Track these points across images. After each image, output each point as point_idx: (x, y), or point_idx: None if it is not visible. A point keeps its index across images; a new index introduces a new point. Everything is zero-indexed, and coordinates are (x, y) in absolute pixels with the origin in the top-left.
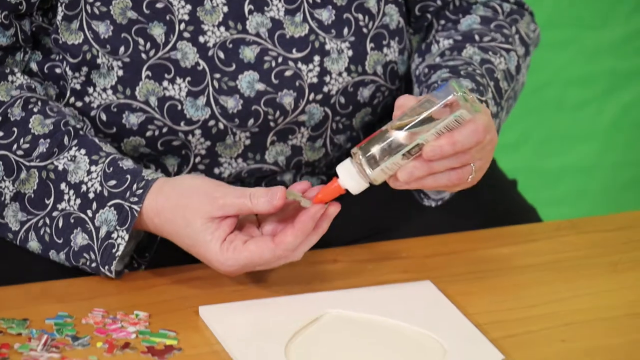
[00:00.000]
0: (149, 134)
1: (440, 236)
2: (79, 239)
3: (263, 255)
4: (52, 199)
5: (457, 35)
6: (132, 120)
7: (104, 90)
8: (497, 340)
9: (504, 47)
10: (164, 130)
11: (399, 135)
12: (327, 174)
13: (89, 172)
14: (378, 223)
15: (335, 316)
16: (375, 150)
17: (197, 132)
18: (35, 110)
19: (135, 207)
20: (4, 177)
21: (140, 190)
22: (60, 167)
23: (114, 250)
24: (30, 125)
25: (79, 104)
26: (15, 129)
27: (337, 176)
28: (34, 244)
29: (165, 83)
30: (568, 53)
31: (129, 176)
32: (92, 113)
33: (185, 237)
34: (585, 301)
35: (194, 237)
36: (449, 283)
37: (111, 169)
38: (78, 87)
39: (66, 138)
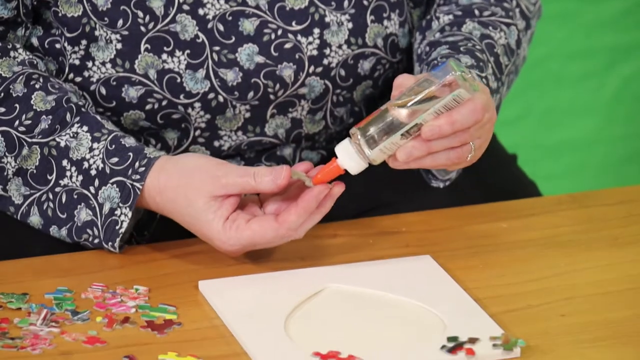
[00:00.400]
0: (148, 107)
1: (439, 211)
2: (83, 214)
3: (266, 234)
4: (54, 175)
5: (457, 10)
6: (132, 93)
7: (103, 64)
8: (497, 315)
9: (504, 22)
10: (164, 103)
11: (398, 115)
12: (326, 148)
13: (91, 149)
14: (378, 198)
15: (335, 291)
16: (373, 130)
17: (197, 105)
18: (37, 86)
19: (137, 184)
20: (6, 153)
21: (143, 168)
22: (62, 144)
23: (117, 227)
24: (32, 102)
25: (78, 79)
26: (17, 105)
27: (335, 156)
28: (35, 219)
29: (164, 56)
30: (568, 27)
31: (131, 154)
32: (92, 87)
33: (187, 216)
34: (586, 275)
35: (196, 216)
36: (449, 258)
37: (113, 146)
38: (77, 62)
39: (68, 115)
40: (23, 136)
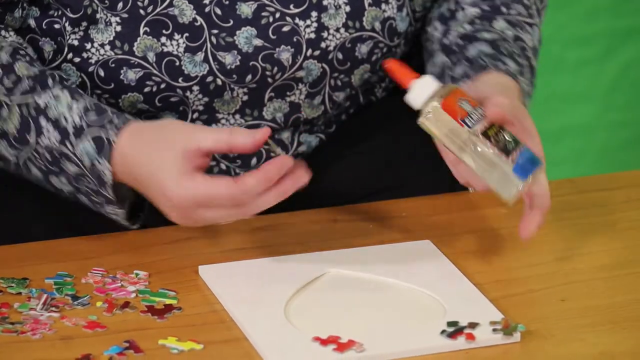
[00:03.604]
0: (146, 89)
1: (440, 196)
2: (70, 168)
3: (220, 190)
4: (33, 135)
5: (483, 4)
6: (130, 76)
7: (102, 45)
8: (497, 300)
9: (527, 22)
10: (162, 86)
11: (467, 134)
12: (325, 132)
13: (69, 107)
14: (379, 183)
15: (335, 276)
16: (446, 119)
17: (195, 88)
18: (22, 60)
19: (112, 134)
20: None
21: (118, 119)
22: (42, 104)
23: (104, 179)
24: (16, 68)
25: (76, 59)
26: (0, 70)
27: (415, 76)
28: (35, 172)
29: (163, 39)
30: (567, 12)
31: (109, 112)
32: (90, 69)
33: (150, 170)
34: (585, 260)
35: (159, 167)
36: (449, 243)
37: (93, 106)
38: (76, 42)
39: (50, 80)
40: (3, 97)
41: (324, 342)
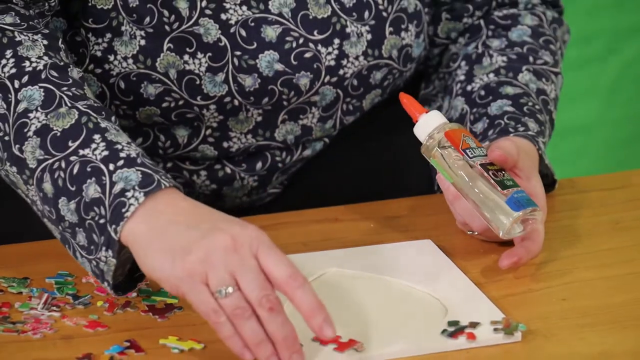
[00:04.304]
0: (164, 105)
1: (441, 196)
2: (91, 190)
3: (286, 260)
4: (77, 143)
5: (511, 53)
6: (150, 90)
7: (125, 58)
8: (498, 299)
9: (553, 71)
10: (180, 102)
11: (470, 171)
12: (329, 136)
13: (129, 143)
14: (380, 183)
15: (335, 275)
16: (450, 149)
17: (212, 107)
18: (89, 87)
19: (165, 181)
20: (39, 108)
21: (173, 181)
22: (103, 125)
23: (123, 210)
24: (85, 87)
25: (98, 70)
26: (70, 80)
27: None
28: (47, 186)
29: (186, 57)
30: (569, 10)
31: (165, 172)
32: (111, 80)
33: (212, 211)
34: (586, 260)
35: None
36: (450, 242)
37: (149, 158)
38: (99, 54)
39: (114, 117)
40: (66, 98)
41: (324, 341)
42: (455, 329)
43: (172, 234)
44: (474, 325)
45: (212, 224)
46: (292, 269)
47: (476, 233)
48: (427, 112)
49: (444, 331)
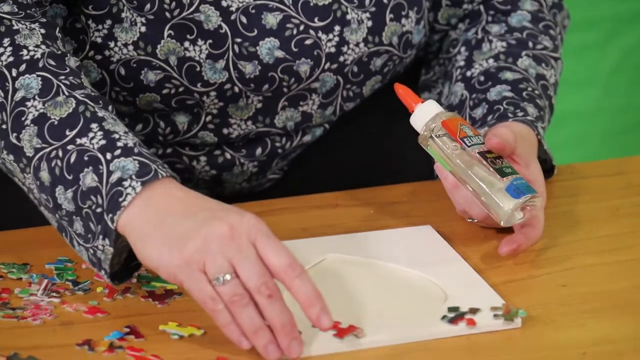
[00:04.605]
0: (165, 91)
1: (441, 181)
2: (88, 179)
3: (285, 250)
4: (74, 131)
5: (510, 38)
6: (150, 77)
7: (125, 45)
8: (498, 285)
9: (552, 56)
10: (180, 89)
11: (468, 159)
12: (329, 122)
13: (126, 133)
14: (380, 169)
15: (335, 261)
16: (447, 138)
17: (212, 93)
18: (86, 78)
19: (162, 171)
20: (37, 96)
21: (170, 171)
22: (100, 114)
23: (120, 199)
24: (82, 77)
25: (98, 57)
26: (68, 69)
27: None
28: (44, 175)
29: (186, 44)
30: None
31: (162, 162)
32: (111, 67)
33: (209, 200)
34: (586, 246)
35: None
36: (450, 228)
37: (146, 147)
38: (99, 40)
39: (111, 106)
40: (64, 88)
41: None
42: (455, 315)
43: (169, 224)
44: (473, 311)
45: (210, 213)
46: (290, 258)
47: (476, 220)
48: (422, 102)
49: (443, 317)
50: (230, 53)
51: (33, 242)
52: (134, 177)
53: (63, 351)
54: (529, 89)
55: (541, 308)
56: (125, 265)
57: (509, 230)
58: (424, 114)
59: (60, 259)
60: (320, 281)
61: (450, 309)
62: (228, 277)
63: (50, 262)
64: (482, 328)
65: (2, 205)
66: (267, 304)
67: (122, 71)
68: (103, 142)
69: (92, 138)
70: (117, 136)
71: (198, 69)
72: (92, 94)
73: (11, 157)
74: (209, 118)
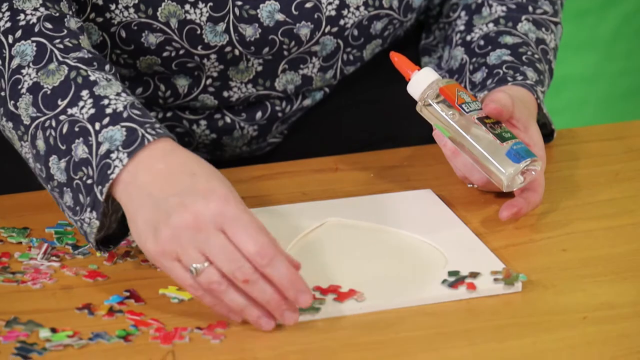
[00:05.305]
0: (165, 54)
1: None
2: (79, 150)
3: (263, 235)
4: (65, 101)
5: (510, 2)
6: (151, 39)
7: (126, 7)
8: (498, 250)
9: (552, 21)
10: (181, 52)
11: (467, 125)
12: (329, 86)
13: (118, 94)
14: (380, 132)
15: (335, 225)
16: (445, 105)
17: (213, 56)
18: (86, 39)
19: (149, 136)
20: (31, 64)
21: (161, 131)
22: (92, 78)
23: (109, 172)
24: (80, 38)
25: (99, 19)
26: (65, 30)
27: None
28: (40, 144)
29: (187, 6)
30: None
31: (155, 121)
32: (112, 29)
33: (201, 165)
34: (586, 210)
35: (215, 172)
36: (450, 192)
37: (140, 106)
38: (100, 2)
39: (108, 66)
40: (57, 52)
41: (325, 291)
42: (456, 279)
43: (147, 207)
44: (474, 275)
45: (178, 198)
46: (258, 245)
47: (476, 186)
48: (419, 70)
49: (444, 281)
50: (231, 16)
51: (33, 206)
52: (120, 148)
53: (63, 315)
54: (529, 53)
55: (541, 272)
56: (123, 222)
57: (509, 195)
58: (421, 81)
59: (60, 222)
60: (320, 245)
61: (451, 273)
62: (200, 266)
63: (50, 226)
64: (482, 292)
65: (1, 169)
66: (245, 287)
67: (123, 34)
68: (92, 110)
69: (82, 107)
70: (106, 102)
71: (198, 31)
72: (87, 56)
73: (10, 124)
74: (209, 81)
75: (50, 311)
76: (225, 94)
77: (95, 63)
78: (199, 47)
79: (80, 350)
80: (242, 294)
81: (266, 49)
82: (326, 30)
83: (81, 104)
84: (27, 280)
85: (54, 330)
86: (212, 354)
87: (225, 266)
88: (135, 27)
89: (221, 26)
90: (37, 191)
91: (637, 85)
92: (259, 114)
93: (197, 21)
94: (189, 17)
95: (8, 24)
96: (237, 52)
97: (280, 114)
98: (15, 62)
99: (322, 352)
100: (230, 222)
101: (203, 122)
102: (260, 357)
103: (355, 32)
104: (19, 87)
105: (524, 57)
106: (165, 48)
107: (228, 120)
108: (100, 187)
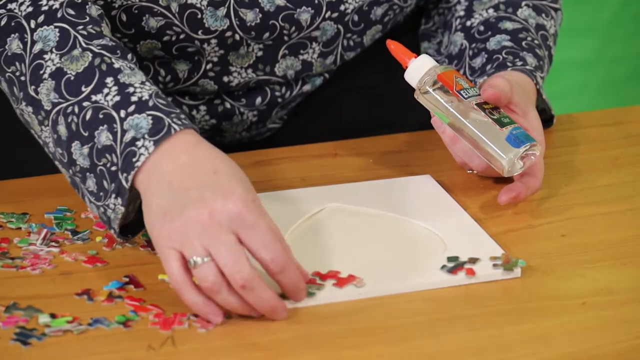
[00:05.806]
0: (165, 38)
1: None
2: (103, 137)
3: (278, 244)
4: (90, 87)
5: None
6: (152, 23)
7: None
8: (497, 235)
9: (552, 7)
10: (182, 36)
11: (466, 111)
12: (329, 71)
13: (143, 83)
14: (379, 118)
15: (334, 210)
16: (443, 92)
17: (213, 41)
18: (107, 27)
19: (175, 125)
20: (54, 49)
21: (187, 122)
22: (116, 65)
23: (134, 160)
24: (102, 26)
25: (100, 2)
26: (87, 17)
27: (413, 57)
28: (62, 129)
29: None
30: None
31: (179, 111)
32: (113, 13)
33: (225, 162)
34: (586, 196)
35: (238, 170)
36: (450, 178)
37: (165, 96)
38: None
39: (130, 55)
40: (81, 38)
41: (324, 277)
42: (455, 265)
43: (164, 196)
44: (473, 261)
45: (199, 192)
46: (273, 252)
47: (476, 172)
48: (416, 57)
49: (443, 267)
50: (232, 0)
51: (32, 192)
52: (146, 136)
53: (62, 301)
54: (529, 38)
55: (541, 258)
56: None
57: (508, 180)
58: (418, 68)
59: (60, 208)
60: (320, 231)
61: (450, 259)
62: (200, 260)
63: (50, 212)
64: (481, 278)
65: (1, 154)
66: (243, 292)
67: (124, 17)
68: (117, 98)
69: (107, 94)
70: (132, 90)
71: (199, 16)
72: (110, 44)
73: (30, 108)
74: (209, 66)
75: (50, 297)
76: (225, 79)
77: (118, 51)
78: (200, 32)
79: (80, 336)
80: (236, 296)
81: (266, 34)
82: (326, 16)
83: (106, 91)
84: (27, 265)
85: (53, 316)
86: (211, 339)
87: (227, 266)
88: (136, 11)
89: (222, 11)
90: (37, 176)
91: (636, 71)
92: (258, 100)
93: (198, 5)
94: (189, 1)
95: (30, 9)
96: (237, 37)
97: (280, 100)
98: (37, 47)
99: (321, 337)
100: (247, 230)
101: (203, 108)
102: (259, 342)
103: (356, 18)
104: (41, 72)
105: (523, 43)
106: (165, 32)
107: (228, 105)
108: (125, 174)
